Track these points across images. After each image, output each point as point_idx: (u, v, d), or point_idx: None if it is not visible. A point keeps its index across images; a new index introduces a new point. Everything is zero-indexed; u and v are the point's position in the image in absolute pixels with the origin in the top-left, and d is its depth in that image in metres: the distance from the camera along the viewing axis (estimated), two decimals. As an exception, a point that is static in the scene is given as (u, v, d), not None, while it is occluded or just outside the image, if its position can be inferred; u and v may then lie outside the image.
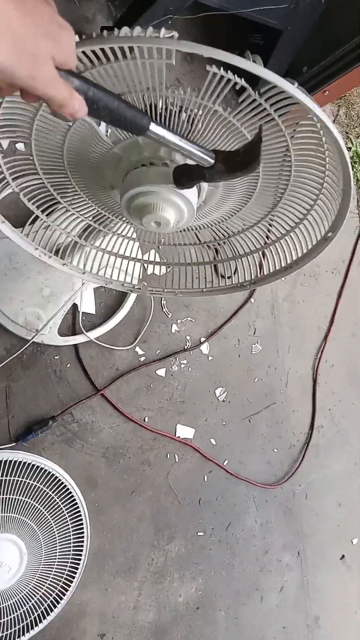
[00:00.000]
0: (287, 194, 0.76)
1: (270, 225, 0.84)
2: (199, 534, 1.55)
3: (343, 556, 1.84)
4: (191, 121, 0.71)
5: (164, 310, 1.53)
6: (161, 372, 1.52)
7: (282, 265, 0.87)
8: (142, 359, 1.50)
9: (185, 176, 0.67)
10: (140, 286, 1.06)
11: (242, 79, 0.58)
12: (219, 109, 0.63)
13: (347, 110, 1.86)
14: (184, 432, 1.54)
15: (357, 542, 1.88)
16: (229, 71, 0.58)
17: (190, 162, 0.68)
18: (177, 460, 1.52)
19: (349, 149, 1.88)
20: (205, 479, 1.57)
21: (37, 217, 0.89)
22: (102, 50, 0.53)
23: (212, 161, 0.64)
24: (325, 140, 0.64)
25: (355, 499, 1.90)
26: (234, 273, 0.98)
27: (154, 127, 0.57)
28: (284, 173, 0.73)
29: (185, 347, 1.57)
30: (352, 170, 0.65)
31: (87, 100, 0.49)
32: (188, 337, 1.58)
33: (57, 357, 1.37)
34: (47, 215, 0.91)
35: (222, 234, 0.91)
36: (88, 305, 1.42)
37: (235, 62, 0.50)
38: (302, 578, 1.74)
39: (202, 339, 1.60)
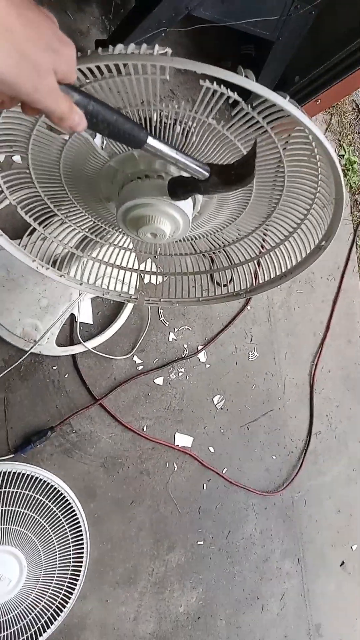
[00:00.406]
0: (280, 203, 0.77)
1: (265, 234, 0.85)
2: (198, 543, 1.55)
3: (343, 562, 1.84)
4: (186, 134, 0.72)
5: (161, 319, 1.53)
6: (159, 380, 1.53)
7: (277, 274, 0.88)
8: (140, 367, 1.50)
9: (180, 188, 0.68)
10: (137, 296, 1.06)
11: (235, 93, 0.59)
12: (212, 122, 0.64)
13: (340, 118, 1.88)
14: (183, 440, 1.55)
15: (356, 548, 1.88)
16: (221, 85, 0.59)
17: (184, 174, 0.69)
18: (175, 469, 1.52)
19: (341, 156, 1.90)
20: (205, 488, 1.57)
21: (34, 229, 0.90)
22: (97, 66, 0.54)
23: (207, 174, 0.65)
24: (317, 151, 0.65)
25: (354, 504, 1.90)
26: (230, 282, 0.98)
27: (151, 141, 0.58)
28: (277, 183, 0.74)
29: (183, 356, 1.57)
30: (345, 178, 0.66)
31: (87, 114, 0.50)
32: (185, 346, 1.58)
33: (55, 368, 1.38)
34: (44, 227, 0.92)
35: (218, 244, 0.92)
36: (85, 315, 1.43)
37: (228, 78, 0.51)
38: (302, 585, 1.74)
39: (200, 347, 1.60)
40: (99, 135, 0.70)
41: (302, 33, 1.35)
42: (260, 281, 0.91)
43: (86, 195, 0.82)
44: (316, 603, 1.75)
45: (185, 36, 1.57)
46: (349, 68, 1.30)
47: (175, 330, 1.57)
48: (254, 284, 0.93)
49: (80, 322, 1.40)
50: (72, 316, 1.40)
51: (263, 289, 0.91)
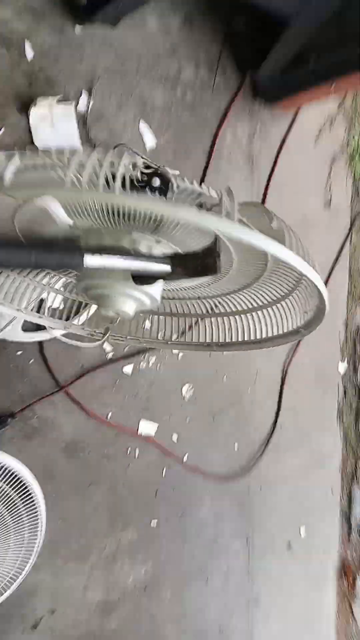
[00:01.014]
0: (260, 281, 0.69)
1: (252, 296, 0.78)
2: (152, 523, 1.60)
3: (289, 544, 1.94)
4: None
5: (135, 309, 1.47)
6: (128, 369, 1.49)
7: (251, 338, 0.82)
8: (110, 356, 1.46)
9: (144, 277, 0.60)
10: (102, 331, 0.99)
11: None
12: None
13: (354, 100, 1.70)
14: (147, 427, 1.54)
15: (304, 531, 1.98)
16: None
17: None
18: (137, 455, 1.53)
19: (353, 137, 1.73)
20: (164, 474, 1.60)
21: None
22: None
23: (169, 270, 0.57)
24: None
25: (308, 494, 1.97)
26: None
27: (90, 261, 0.50)
28: (259, 265, 0.66)
29: (155, 345, 1.52)
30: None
31: None
32: (160, 336, 1.53)
33: (19, 353, 1.33)
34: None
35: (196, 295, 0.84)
36: (55, 300, 1.35)
37: (209, 224, 0.42)
38: (248, 563, 1.84)
39: (174, 337, 1.55)
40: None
41: (322, 16, 1.17)
42: (234, 339, 0.85)
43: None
44: (259, 579, 1.87)
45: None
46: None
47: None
48: (227, 340, 0.87)
49: (49, 308, 1.33)
50: (42, 301, 1.32)
51: (234, 348, 0.85)
